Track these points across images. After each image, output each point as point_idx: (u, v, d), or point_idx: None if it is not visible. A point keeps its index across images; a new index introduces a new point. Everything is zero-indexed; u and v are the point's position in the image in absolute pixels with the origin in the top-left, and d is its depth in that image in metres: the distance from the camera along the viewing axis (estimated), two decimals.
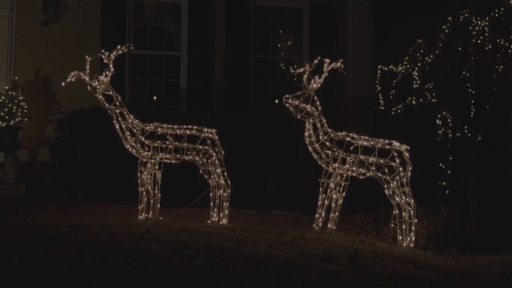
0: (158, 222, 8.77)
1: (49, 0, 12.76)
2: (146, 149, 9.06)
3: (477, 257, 8.34)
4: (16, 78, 12.43)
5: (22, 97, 12.14)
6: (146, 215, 9.14)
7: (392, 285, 6.30)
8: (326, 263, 6.94)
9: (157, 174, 9.22)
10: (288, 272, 6.38)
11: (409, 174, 8.71)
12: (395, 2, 16.85)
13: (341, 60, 9.25)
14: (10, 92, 12.09)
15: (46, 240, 7.07)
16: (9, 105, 11.99)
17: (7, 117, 11.95)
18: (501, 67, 14.41)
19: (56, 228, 7.78)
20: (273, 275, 6.26)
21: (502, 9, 14.42)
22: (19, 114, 12.05)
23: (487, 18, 14.55)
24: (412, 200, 8.67)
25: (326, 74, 9.02)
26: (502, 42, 14.57)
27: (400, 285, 6.34)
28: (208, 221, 9.24)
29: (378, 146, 8.79)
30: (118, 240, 7.20)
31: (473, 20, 14.78)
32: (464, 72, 14.39)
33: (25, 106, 12.16)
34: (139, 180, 9.16)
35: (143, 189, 9.15)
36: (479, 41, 14.66)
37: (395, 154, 8.70)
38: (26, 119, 12.16)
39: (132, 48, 9.41)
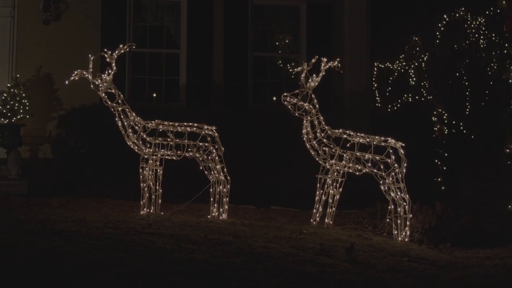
0: (159, 217, 8.96)
1: None
2: (148, 146, 9.25)
3: (470, 251, 8.55)
4: (18, 75, 12.58)
5: (24, 95, 12.29)
6: (148, 210, 9.33)
7: (387, 277, 6.50)
8: (323, 256, 7.13)
9: (159, 170, 9.42)
10: (286, 265, 6.58)
11: (404, 170, 8.90)
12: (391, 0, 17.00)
13: (337, 59, 9.45)
14: (12, 90, 12.24)
15: (51, 234, 7.25)
16: (11, 102, 12.14)
17: (9, 114, 12.10)
18: (496, 65, 14.57)
19: (61, 223, 7.96)
20: (272, 268, 6.44)
21: (497, 9, 14.58)
22: (21, 111, 12.20)
23: (482, 18, 14.68)
24: (407, 196, 8.86)
25: (323, 73, 9.22)
26: (497, 40, 14.73)
27: (395, 278, 6.53)
28: (208, 216, 9.44)
29: (374, 143, 8.98)
30: (121, 234, 7.40)
31: (469, 18, 14.93)
32: (460, 69, 14.55)
33: (27, 103, 12.30)
34: (141, 176, 9.36)
35: (144, 184, 9.34)
36: (473, 39, 14.82)
37: (391, 151, 8.90)
38: (28, 116, 12.32)
39: (134, 47, 9.58)
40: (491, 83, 14.68)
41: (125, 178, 11.11)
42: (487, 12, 14.86)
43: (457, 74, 14.60)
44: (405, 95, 15.43)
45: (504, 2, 10.98)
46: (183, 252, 6.74)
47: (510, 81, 10.54)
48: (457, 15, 14.98)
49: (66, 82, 9.36)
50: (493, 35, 14.65)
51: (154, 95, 13.04)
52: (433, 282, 6.54)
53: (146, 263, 6.21)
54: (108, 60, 9.27)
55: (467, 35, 14.87)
